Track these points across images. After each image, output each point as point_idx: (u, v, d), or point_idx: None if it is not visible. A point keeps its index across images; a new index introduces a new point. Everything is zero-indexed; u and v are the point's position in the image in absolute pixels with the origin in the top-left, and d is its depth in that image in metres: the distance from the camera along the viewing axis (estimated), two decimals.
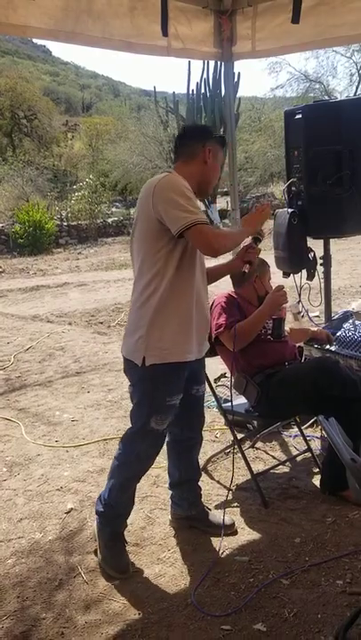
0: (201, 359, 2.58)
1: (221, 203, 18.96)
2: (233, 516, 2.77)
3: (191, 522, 2.72)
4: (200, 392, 2.63)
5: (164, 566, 2.48)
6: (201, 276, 2.47)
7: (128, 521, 2.74)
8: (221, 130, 17.12)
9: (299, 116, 3.61)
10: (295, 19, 3.53)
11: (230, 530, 2.67)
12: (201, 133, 2.50)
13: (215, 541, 2.62)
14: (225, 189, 19.37)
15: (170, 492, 2.80)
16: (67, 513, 2.93)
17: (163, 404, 2.39)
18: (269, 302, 2.93)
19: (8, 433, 3.97)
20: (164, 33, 3.60)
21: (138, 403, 2.45)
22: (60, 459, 3.54)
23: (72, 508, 2.96)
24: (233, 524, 2.70)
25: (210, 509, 2.79)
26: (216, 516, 2.74)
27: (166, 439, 2.67)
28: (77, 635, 2.13)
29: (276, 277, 4.09)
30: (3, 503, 3.05)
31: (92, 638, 2.10)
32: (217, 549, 2.56)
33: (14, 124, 36.04)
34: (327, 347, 3.32)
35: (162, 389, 2.39)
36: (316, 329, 3.38)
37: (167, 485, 2.84)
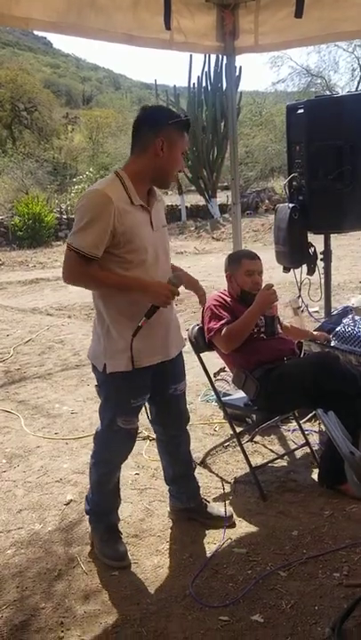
0: (176, 358, 2.52)
1: (222, 197, 18.93)
2: (231, 508, 2.79)
3: (190, 514, 2.74)
4: (178, 391, 2.58)
5: (163, 557, 2.50)
6: (161, 276, 2.34)
7: (127, 513, 2.77)
8: (222, 124, 17.13)
9: (301, 110, 3.62)
10: (298, 13, 3.52)
11: (229, 522, 2.69)
12: (154, 120, 2.24)
13: (213, 533, 2.64)
14: (225, 184, 19.33)
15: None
16: (66, 504, 2.95)
17: (127, 406, 2.38)
18: (260, 301, 2.91)
19: (8, 425, 3.98)
20: (167, 26, 3.59)
21: (104, 402, 2.46)
22: (60, 451, 3.55)
23: (71, 500, 2.98)
24: (231, 516, 2.72)
25: (208, 502, 2.81)
26: (215, 508, 2.76)
27: (155, 437, 2.72)
28: (76, 624, 2.15)
29: (277, 272, 4.11)
30: (2, 494, 3.07)
31: (92, 628, 2.12)
32: (215, 541, 2.58)
33: (14, 115, 35.95)
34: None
35: (125, 393, 2.37)
36: (316, 333, 3.39)
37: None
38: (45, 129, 36.14)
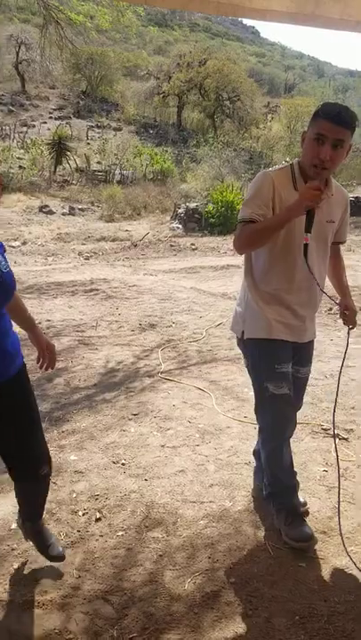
0: (307, 343, 2.63)
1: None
2: None
3: None
4: (301, 374, 2.69)
5: (351, 561, 2.45)
6: (306, 255, 2.29)
7: (314, 508, 2.76)
8: None
9: None
10: None
11: None
12: None
13: None
14: None
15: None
16: (253, 488, 3.01)
17: (273, 371, 2.47)
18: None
19: (200, 402, 4.17)
20: None
21: (251, 371, 2.61)
22: (249, 434, 3.63)
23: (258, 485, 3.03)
24: None
25: None
26: None
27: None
28: (264, 606, 2.20)
29: None
30: (196, 467, 3.23)
31: (279, 613, 2.16)
32: None
33: (218, 105, 36.83)
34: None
35: (266, 359, 2.49)
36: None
37: (353, 479, 2.79)
38: (246, 118, 36.52)
